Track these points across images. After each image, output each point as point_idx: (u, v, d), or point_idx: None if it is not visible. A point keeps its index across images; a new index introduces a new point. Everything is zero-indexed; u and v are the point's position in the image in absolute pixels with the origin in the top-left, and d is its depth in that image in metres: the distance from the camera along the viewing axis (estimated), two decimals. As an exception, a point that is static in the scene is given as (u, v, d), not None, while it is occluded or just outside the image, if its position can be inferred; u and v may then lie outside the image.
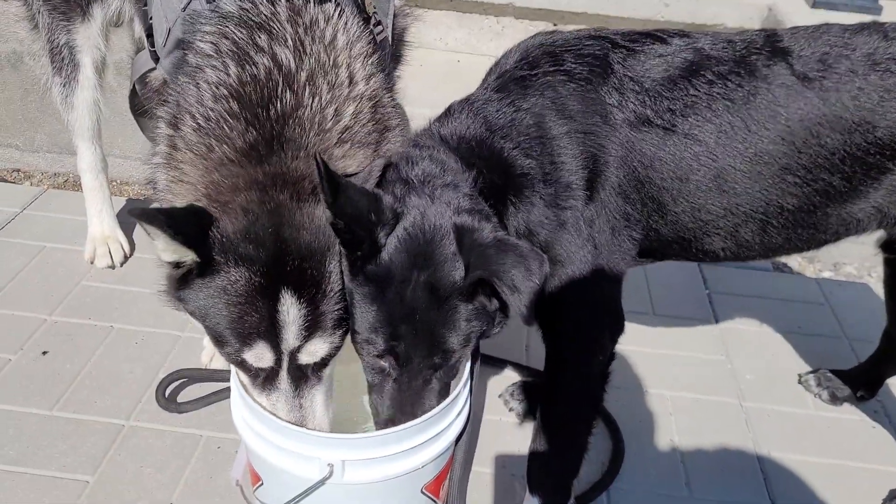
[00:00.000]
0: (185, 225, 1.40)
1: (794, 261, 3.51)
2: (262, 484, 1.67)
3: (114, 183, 3.44)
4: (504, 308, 1.54)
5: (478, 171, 1.59)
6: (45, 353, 2.40)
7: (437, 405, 1.54)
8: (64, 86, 2.56)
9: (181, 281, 1.53)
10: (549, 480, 1.85)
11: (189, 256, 1.46)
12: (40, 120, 3.52)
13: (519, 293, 1.37)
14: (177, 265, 1.51)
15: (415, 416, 1.53)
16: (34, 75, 3.34)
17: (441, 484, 1.74)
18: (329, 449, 1.50)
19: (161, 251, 1.47)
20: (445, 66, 3.79)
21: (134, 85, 2.03)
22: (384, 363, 1.52)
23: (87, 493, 1.96)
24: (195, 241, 1.43)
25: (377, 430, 1.59)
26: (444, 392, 1.57)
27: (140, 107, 2.05)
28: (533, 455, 1.87)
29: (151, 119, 2.00)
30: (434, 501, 1.73)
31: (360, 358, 1.57)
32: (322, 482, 1.51)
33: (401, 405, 1.54)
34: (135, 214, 1.35)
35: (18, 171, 3.60)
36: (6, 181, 3.49)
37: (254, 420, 1.57)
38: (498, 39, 3.89)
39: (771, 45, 1.70)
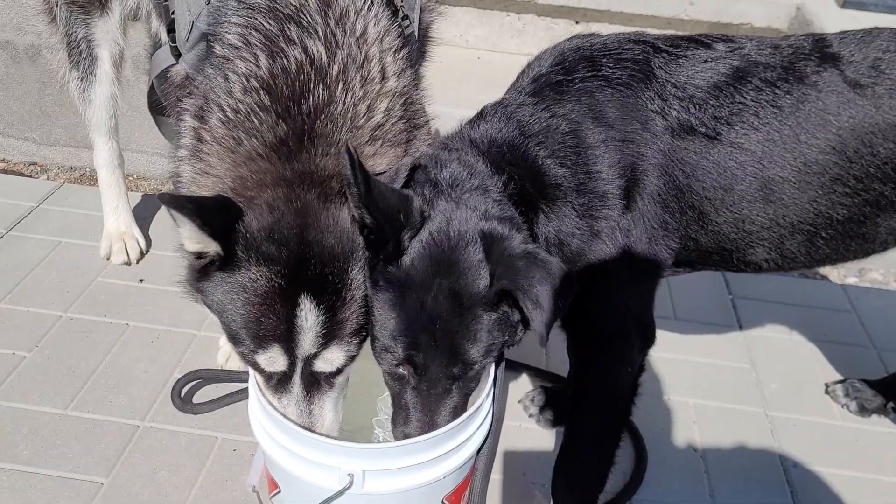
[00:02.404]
0: (213, 216, 1.37)
1: (819, 265, 3.45)
2: (279, 491, 1.63)
3: (130, 178, 3.42)
4: (525, 320, 1.50)
5: (508, 177, 1.55)
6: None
7: (455, 418, 1.50)
8: (81, 80, 2.54)
9: (202, 272, 1.50)
10: (574, 494, 1.81)
11: (213, 248, 1.42)
12: (57, 113, 3.50)
13: (541, 310, 1.33)
14: (199, 256, 1.48)
15: (432, 429, 1.49)
16: (51, 68, 3.33)
17: (462, 494, 1.69)
18: (350, 458, 1.46)
19: (185, 239, 1.44)
20: (466, 64, 3.74)
21: (152, 82, 2.00)
22: (403, 371, 1.49)
23: (102, 494, 1.93)
24: (221, 233, 1.40)
25: (395, 439, 1.56)
26: (463, 404, 1.53)
27: (158, 104, 2.02)
28: (558, 467, 1.83)
29: (170, 116, 1.97)
30: (454, 511, 1.69)
31: (379, 365, 1.54)
32: (342, 492, 1.47)
33: (418, 417, 1.50)
34: (164, 200, 1.32)
35: (35, 164, 3.58)
36: (22, 174, 3.48)
37: (273, 427, 1.53)
38: (519, 37, 3.83)
39: (820, 50, 1.64)
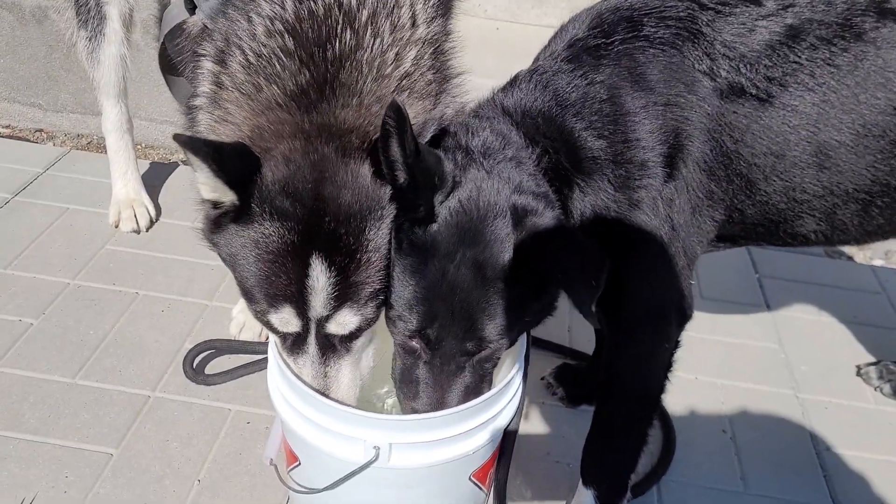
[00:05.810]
0: (230, 162, 1.29)
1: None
2: (298, 464, 1.56)
3: (138, 147, 3.32)
4: (549, 305, 1.46)
5: (542, 150, 1.46)
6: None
7: (468, 400, 1.43)
8: (90, 40, 2.45)
9: (216, 223, 1.42)
10: (605, 475, 1.73)
11: (228, 198, 1.35)
12: (64, 79, 3.41)
13: (571, 281, 1.30)
14: (215, 205, 1.40)
15: (441, 407, 1.42)
16: (58, 31, 3.22)
17: (488, 472, 1.62)
18: (375, 430, 1.39)
19: (201, 185, 1.36)
20: (484, 34, 3.64)
21: (163, 41, 1.91)
22: (415, 344, 1.41)
23: (111, 466, 1.86)
24: (237, 181, 1.32)
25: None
26: (476, 386, 1.45)
27: (169, 63, 1.92)
28: (588, 447, 1.74)
29: (183, 74, 1.88)
30: (480, 489, 1.62)
31: (392, 336, 1.46)
32: (366, 466, 1.40)
33: (429, 393, 1.43)
34: (180, 141, 1.23)
35: (41, 131, 3.49)
36: (28, 140, 3.39)
37: (294, 396, 1.46)
38: (540, 7, 3.72)
39: (877, 5, 1.54)
